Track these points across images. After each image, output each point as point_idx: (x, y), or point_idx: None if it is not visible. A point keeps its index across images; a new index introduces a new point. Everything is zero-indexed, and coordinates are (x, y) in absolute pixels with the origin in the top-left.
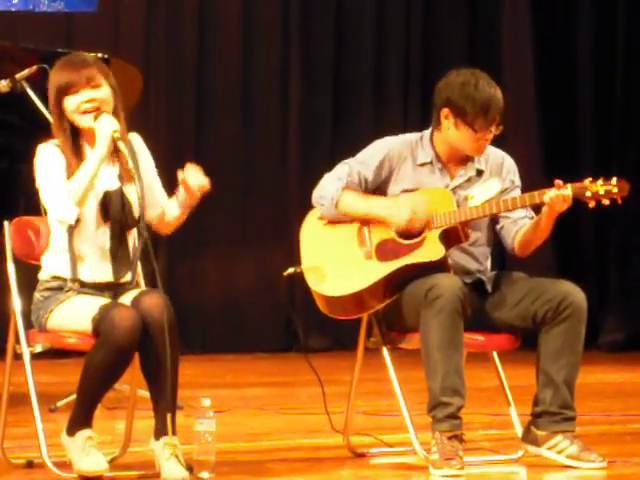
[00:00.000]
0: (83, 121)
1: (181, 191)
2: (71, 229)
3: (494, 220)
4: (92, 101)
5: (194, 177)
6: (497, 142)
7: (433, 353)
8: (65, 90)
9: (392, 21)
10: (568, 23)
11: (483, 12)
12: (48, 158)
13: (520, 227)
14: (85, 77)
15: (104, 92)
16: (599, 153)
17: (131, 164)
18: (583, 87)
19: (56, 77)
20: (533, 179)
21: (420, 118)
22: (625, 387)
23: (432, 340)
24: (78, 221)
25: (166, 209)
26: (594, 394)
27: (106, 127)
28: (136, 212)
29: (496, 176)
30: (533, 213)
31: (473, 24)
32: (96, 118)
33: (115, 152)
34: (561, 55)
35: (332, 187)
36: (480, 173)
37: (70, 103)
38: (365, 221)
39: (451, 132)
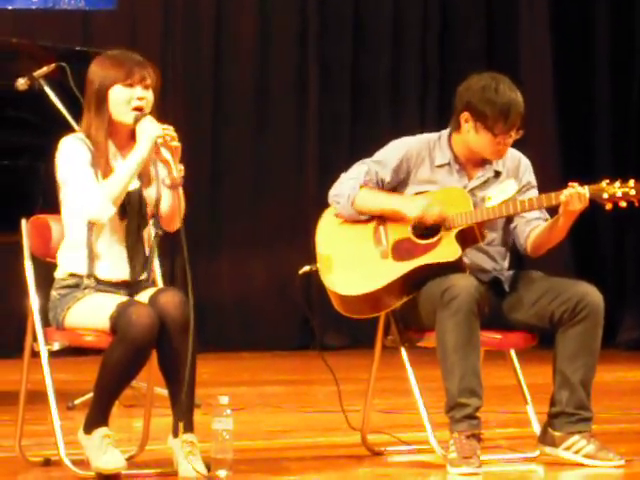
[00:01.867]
0: (127, 116)
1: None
2: (90, 226)
3: (509, 220)
4: (142, 99)
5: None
6: (515, 145)
7: (450, 354)
8: (120, 79)
9: (409, 21)
10: (586, 27)
11: (501, 11)
12: (74, 152)
13: (533, 227)
14: (143, 75)
15: (151, 95)
16: (617, 156)
17: (153, 170)
18: (601, 90)
19: (112, 65)
20: (551, 182)
21: (437, 118)
22: None
23: (449, 341)
24: None
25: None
26: (612, 392)
27: (150, 130)
28: (151, 211)
29: (513, 177)
30: (548, 215)
31: (491, 24)
32: (138, 120)
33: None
34: (579, 58)
35: (348, 185)
36: (498, 174)
37: (122, 93)
38: (381, 220)
39: (471, 136)
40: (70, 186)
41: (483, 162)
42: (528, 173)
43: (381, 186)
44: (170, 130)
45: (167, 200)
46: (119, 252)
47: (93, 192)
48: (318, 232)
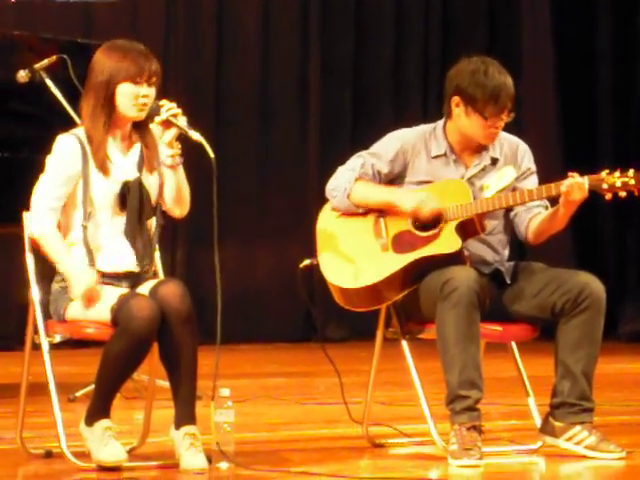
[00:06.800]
0: (133, 111)
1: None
2: (85, 224)
3: (509, 208)
4: (147, 97)
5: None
6: (516, 133)
7: (450, 346)
8: (130, 76)
9: (411, 15)
10: (588, 14)
11: (502, 4)
12: (59, 157)
13: (534, 215)
14: (151, 72)
15: (154, 92)
16: (618, 145)
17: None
18: (603, 78)
19: (122, 58)
20: (552, 171)
21: (439, 113)
22: None
23: (449, 333)
24: (90, 214)
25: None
26: (613, 384)
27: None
28: (154, 201)
29: (511, 163)
30: (547, 202)
31: (492, 15)
32: (152, 115)
33: (134, 140)
34: (581, 46)
35: (345, 178)
36: (495, 161)
37: (130, 90)
38: (380, 212)
39: (462, 120)
40: (35, 189)
41: (478, 149)
42: (527, 159)
43: (378, 178)
44: (174, 107)
45: (169, 183)
46: (122, 243)
47: (38, 205)
48: (318, 226)
